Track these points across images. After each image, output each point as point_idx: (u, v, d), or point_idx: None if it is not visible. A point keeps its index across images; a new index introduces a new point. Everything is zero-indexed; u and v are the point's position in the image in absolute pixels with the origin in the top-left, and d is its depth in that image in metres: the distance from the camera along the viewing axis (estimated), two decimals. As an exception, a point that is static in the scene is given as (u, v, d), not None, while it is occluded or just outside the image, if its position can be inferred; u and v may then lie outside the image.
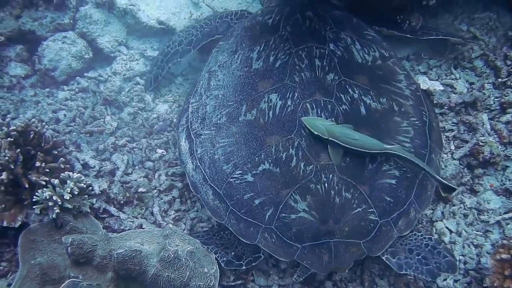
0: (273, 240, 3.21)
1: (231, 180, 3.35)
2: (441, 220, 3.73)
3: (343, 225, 3.15)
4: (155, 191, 3.94)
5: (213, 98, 3.69)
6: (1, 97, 4.45)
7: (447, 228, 3.70)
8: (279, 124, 3.42)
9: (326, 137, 3.24)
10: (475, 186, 3.85)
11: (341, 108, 3.45)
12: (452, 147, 4.00)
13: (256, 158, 3.35)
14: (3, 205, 3.52)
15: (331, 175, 3.21)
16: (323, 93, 3.48)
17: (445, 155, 3.96)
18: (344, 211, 3.17)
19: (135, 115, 4.42)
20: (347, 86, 3.56)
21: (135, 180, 3.93)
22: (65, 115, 4.38)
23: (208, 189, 3.44)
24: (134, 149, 4.18)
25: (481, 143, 3.87)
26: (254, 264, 3.39)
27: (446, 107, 4.11)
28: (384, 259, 3.28)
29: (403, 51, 4.49)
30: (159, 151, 4.16)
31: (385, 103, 3.55)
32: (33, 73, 4.78)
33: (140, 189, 3.86)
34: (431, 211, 3.79)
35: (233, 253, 3.43)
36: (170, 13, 5.03)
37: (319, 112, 3.40)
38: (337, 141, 3.22)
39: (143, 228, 3.67)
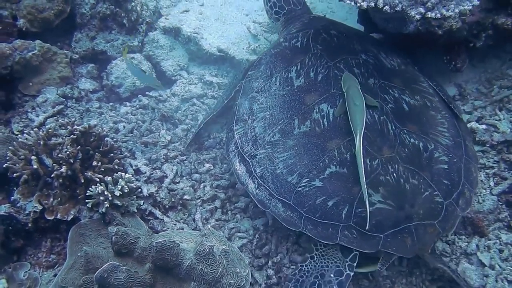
0: (354, 235, 3.36)
1: (299, 189, 3.52)
2: (475, 253, 3.71)
3: (418, 208, 3.37)
4: (199, 200, 4.13)
5: (261, 120, 3.90)
6: (69, 106, 4.84)
7: (480, 261, 3.68)
8: (337, 129, 3.62)
9: (343, 91, 3.65)
10: (513, 223, 3.82)
11: (388, 107, 3.71)
12: (492, 184, 4.00)
13: (321, 164, 3.52)
14: (59, 199, 3.81)
15: (396, 166, 3.45)
16: (370, 96, 3.68)
17: (484, 191, 3.97)
18: (416, 196, 3.40)
19: (187, 131, 4.69)
20: (387, 88, 3.85)
21: (181, 189, 4.14)
22: (124, 126, 4.70)
23: (277, 202, 3.60)
24: (184, 162, 4.42)
25: (521, 181, 3.87)
26: (354, 264, 3.45)
27: (488, 145, 4.16)
28: None
29: (449, 91, 4.55)
30: (207, 165, 4.38)
31: (419, 100, 3.87)
32: (100, 89, 5.20)
33: (185, 197, 4.06)
34: (466, 243, 3.78)
35: (332, 274, 3.46)
36: (230, 43, 5.37)
37: (371, 112, 3.62)
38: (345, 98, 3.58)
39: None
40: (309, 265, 3.52)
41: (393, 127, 3.61)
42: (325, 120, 3.67)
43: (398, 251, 3.31)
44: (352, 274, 3.42)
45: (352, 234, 3.36)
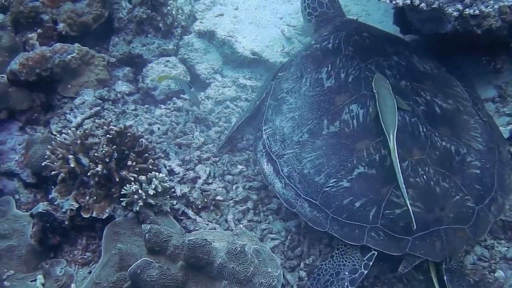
0: (381, 237, 3.34)
1: (326, 189, 3.52)
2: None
3: (448, 212, 3.32)
4: (231, 201, 4.15)
5: (289, 120, 3.91)
6: (106, 108, 4.93)
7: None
8: (366, 130, 3.59)
9: (374, 92, 3.61)
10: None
11: (419, 109, 3.64)
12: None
13: (349, 164, 3.50)
14: (95, 197, 3.88)
15: (427, 168, 3.40)
16: (401, 97, 3.63)
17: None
18: (446, 199, 3.35)
19: (221, 133, 4.72)
20: (419, 90, 3.77)
21: (214, 189, 4.17)
22: (159, 128, 4.75)
23: (303, 202, 3.61)
24: (217, 163, 4.45)
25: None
26: (370, 263, 3.42)
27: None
28: (445, 278, 3.35)
29: (489, 92, 4.49)
30: (240, 166, 4.40)
31: (452, 104, 3.79)
32: (136, 92, 5.26)
33: (218, 197, 4.09)
34: (506, 248, 3.67)
35: (346, 273, 3.45)
36: (264, 46, 5.37)
37: (402, 113, 3.56)
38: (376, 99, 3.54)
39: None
40: (328, 264, 3.54)
41: (424, 129, 3.55)
42: (354, 121, 3.64)
43: (427, 255, 3.26)
44: (366, 272, 3.39)
45: (379, 236, 3.33)
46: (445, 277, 3.34)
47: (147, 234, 3.29)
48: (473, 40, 3.97)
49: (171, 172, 4.26)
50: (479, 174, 3.50)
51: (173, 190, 4.00)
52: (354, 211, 3.39)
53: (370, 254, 3.41)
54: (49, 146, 3.97)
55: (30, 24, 5.10)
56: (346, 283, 3.38)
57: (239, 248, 3.14)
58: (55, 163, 3.88)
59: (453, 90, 3.95)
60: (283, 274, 3.53)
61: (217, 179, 4.33)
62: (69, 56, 4.84)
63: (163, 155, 4.37)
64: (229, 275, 3.13)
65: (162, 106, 5.10)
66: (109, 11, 5.35)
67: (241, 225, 3.74)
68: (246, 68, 5.48)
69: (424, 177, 3.36)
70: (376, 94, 3.59)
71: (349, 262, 3.47)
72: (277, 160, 3.82)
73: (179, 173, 4.23)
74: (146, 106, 5.13)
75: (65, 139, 3.99)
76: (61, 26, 5.09)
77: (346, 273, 3.44)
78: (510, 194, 3.58)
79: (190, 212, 4.01)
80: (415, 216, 3.21)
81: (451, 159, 3.48)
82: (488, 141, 3.72)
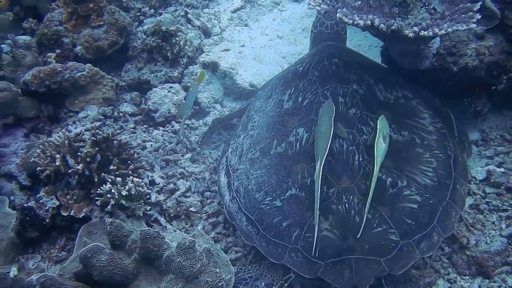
0: (298, 258, 3.39)
1: (262, 206, 3.64)
2: (477, 293, 3.53)
3: (363, 242, 3.29)
4: (204, 214, 4.27)
5: (249, 138, 4.08)
6: (107, 124, 5.22)
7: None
8: (305, 154, 3.69)
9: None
10: (521, 268, 3.61)
11: (362, 138, 3.68)
12: (503, 226, 3.82)
13: (284, 185, 3.61)
14: (75, 197, 4.09)
15: (351, 197, 3.43)
16: (345, 125, 3.72)
17: (493, 232, 3.81)
18: (364, 229, 3.30)
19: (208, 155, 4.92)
20: (368, 119, 3.80)
21: (190, 202, 4.31)
22: (151, 145, 4.96)
23: (242, 216, 3.75)
24: (199, 179, 4.60)
25: (532, 225, 3.69)
26: (286, 285, 3.57)
27: (503, 187, 4.02)
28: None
29: (473, 136, 4.52)
30: (220, 184, 4.52)
31: (406, 136, 3.75)
32: (139, 113, 5.52)
33: (191, 209, 4.22)
34: (469, 284, 3.60)
35: (263, 283, 3.60)
36: (262, 80, 5.56)
37: (340, 141, 3.65)
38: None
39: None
40: (254, 267, 3.73)
41: (360, 159, 3.58)
42: (297, 143, 3.76)
43: (335, 282, 3.29)
44: None
45: (297, 257, 3.40)
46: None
47: (108, 227, 3.41)
48: (450, 77, 4.08)
49: (152, 182, 4.43)
50: (416, 209, 3.45)
51: (148, 196, 4.16)
52: (281, 230, 3.49)
53: (288, 276, 3.56)
54: (40, 145, 4.24)
55: (51, 45, 5.63)
56: None
57: (187, 243, 3.20)
58: (43, 161, 4.13)
59: (416, 122, 3.92)
60: (237, 281, 3.57)
61: (195, 194, 4.46)
62: (79, 74, 5.22)
63: (148, 167, 4.56)
64: (175, 269, 3.18)
65: (161, 128, 5.30)
66: (125, 41, 5.80)
67: (199, 227, 3.82)
68: (245, 100, 5.68)
69: (346, 205, 3.39)
70: (318, 119, 3.70)
71: (270, 275, 3.60)
72: (232, 174, 3.98)
73: (159, 183, 4.41)
74: (145, 126, 5.36)
75: (55, 140, 4.26)
76: (78, 48, 5.58)
77: (263, 283, 3.57)
78: (449, 233, 3.50)
79: (162, 220, 4.14)
80: (330, 242, 3.32)
81: (383, 191, 3.47)
82: (442, 176, 3.65)
